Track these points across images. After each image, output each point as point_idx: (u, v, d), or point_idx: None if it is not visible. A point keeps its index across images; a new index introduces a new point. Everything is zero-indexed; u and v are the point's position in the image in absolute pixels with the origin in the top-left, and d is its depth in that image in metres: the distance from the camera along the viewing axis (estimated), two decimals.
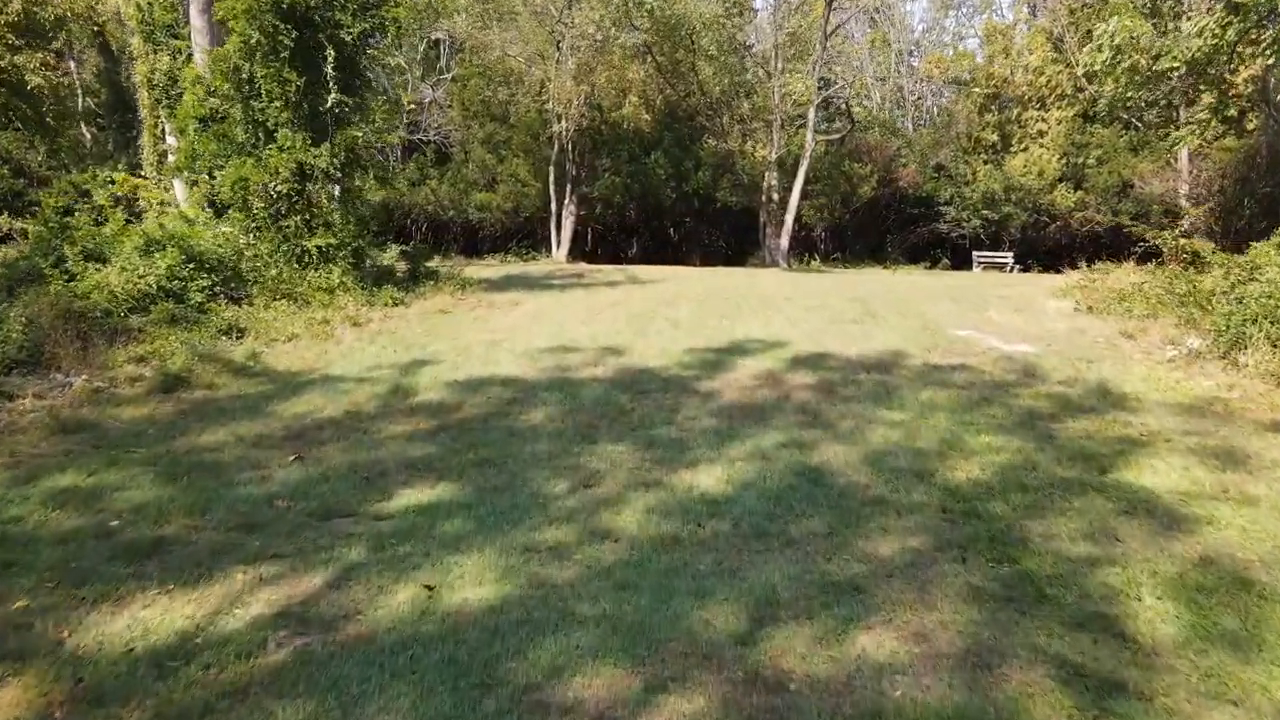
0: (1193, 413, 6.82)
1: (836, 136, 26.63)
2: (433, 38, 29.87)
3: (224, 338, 9.60)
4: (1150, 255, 15.10)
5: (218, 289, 10.76)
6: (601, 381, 7.94)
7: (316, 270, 12.18)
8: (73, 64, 28.93)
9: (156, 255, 10.32)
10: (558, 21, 22.26)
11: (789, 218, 25.90)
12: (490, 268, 21.99)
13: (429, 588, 3.89)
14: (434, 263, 15.78)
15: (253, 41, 11.35)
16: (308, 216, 12.37)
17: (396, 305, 12.21)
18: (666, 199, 27.85)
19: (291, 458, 5.81)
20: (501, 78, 25.01)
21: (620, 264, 31.41)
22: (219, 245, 11.41)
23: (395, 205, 27.71)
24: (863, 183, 28.30)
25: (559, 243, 25.48)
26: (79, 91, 28.81)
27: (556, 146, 24.71)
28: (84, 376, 7.51)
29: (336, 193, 13.41)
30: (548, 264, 24.18)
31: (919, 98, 39.16)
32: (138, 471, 5.46)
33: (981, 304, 12.92)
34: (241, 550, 4.30)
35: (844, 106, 26.05)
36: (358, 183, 12.71)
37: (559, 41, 22.70)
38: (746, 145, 28.60)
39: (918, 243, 33.01)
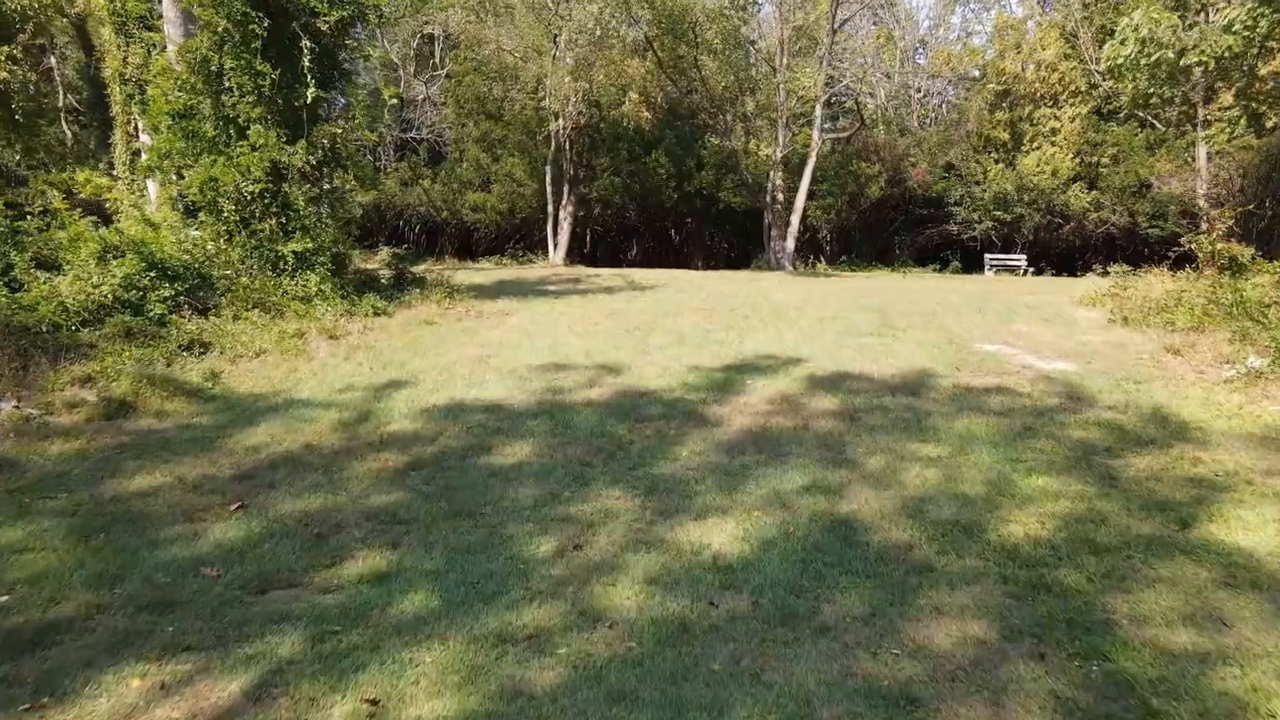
0: (1269, 446, 6.02)
1: (844, 134, 25.83)
2: (425, 32, 29.10)
3: (185, 354, 8.80)
4: (1182, 260, 14.30)
5: (182, 299, 9.95)
6: (597, 406, 7.14)
7: (293, 278, 11.39)
8: (53, 59, 28.13)
9: (114, 263, 9.53)
10: (555, 14, 21.48)
11: (795, 219, 25.09)
12: (483, 272, 21.20)
13: (372, 702, 3.10)
14: (423, 267, 14.95)
15: (221, 31, 10.56)
16: (283, 220, 11.57)
17: (379, 315, 11.42)
18: (668, 200, 27.07)
19: (234, 506, 5.01)
20: (496, 74, 24.22)
21: (620, 267, 30.62)
22: (185, 251, 10.61)
23: (386, 206, 26.93)
24: (871, 182, 27.49)
25: (556, 245, 24.70)
26: (60, 88, 28.01)
27: (553, 145, 23.92)
28: (14, 403, 6.72)
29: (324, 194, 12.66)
30: (544, 268, 23.38)
31: (924, 94, 38.36)
32: (49, 525, 4.66)
33: (1007, 314, 12.12)
34: (148, 641, 3.50)
35: (853, 103, 25.22)
36: (337, 183, 11.87)
37: (556, 36, 21.91)
38: (750, 144, 27.82)
39: (926, 245, 32.21)
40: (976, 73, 33.17)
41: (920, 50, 43.02)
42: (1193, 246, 13.66)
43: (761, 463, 5.79)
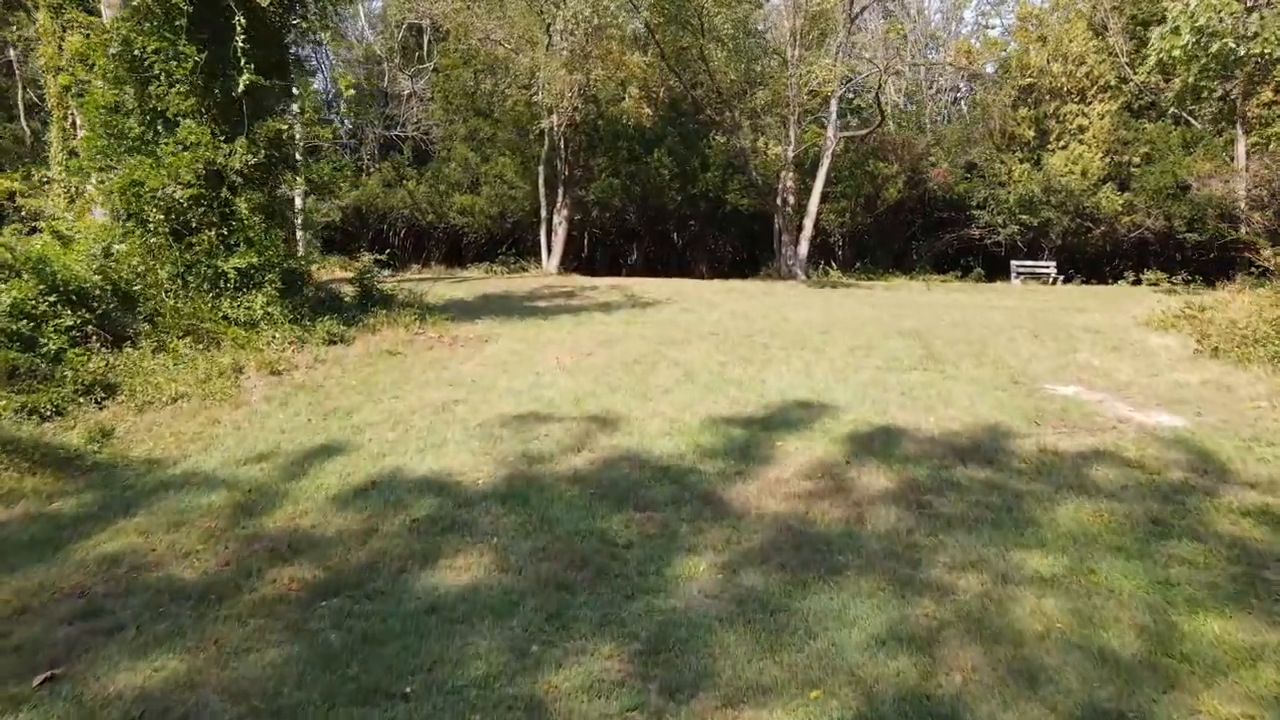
0: None
1: (863, 132, 24.23)
2: (412, 22, 27.55)
3: (81, 400, 7.24)
4: (1224, 266, 12.72)
5: (90, 328, 8.39)
6: (585, 483, 5.57)
7: (235, 299, 9.82)
8: (12, 52, 26.57)
9: (1, 286, 7.96)
10: (548, 1, 19.92)
11: (808, 224, 23.51)
12: (469, 282, 19.63)
13: None
14: (394, 281, 13.38)
15: (139, 5, 8.99)
16: (224, 231, 10.00)
17: (335, 343, 9.86)
18: (670, 202, 25.52)
19: (41, 679, 3.43)
20: (485, 66, 22.65)
21: (619, 274, 29.09)
22: (99, 269, 9.04)
23: (368, 209, 25.38)
24: (889, 184, 25.92)
25: (550, 252, 23.13)
26: (20, 82, 26.47)
27: (546, 144, 22.36)
28: None
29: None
30: (536, 277, 21.81)
31: (936, 90, 36.71)
32: None
33: (1067, 340, 10.54)
34: None
35: (871, 98, 23.62)
36: (284, 187, 10.27)
37: (549, 24, 20.35)
38: (759, 142, 26.25)
39: (945, 250, 30.63)
40: (991, 67, 31.58)
41: (931, 46, 41.48)
42: (1254, 254, 12.07)
43: (809, 586, 4.20)
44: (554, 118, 22.34)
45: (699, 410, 7.23)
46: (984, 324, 12.12)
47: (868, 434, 6.57)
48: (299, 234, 21.06)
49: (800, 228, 23.80)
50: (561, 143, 22.82)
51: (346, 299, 12.04)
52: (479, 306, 13.81)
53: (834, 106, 22.80)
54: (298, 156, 10.39)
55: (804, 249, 23.75)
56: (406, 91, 28.03)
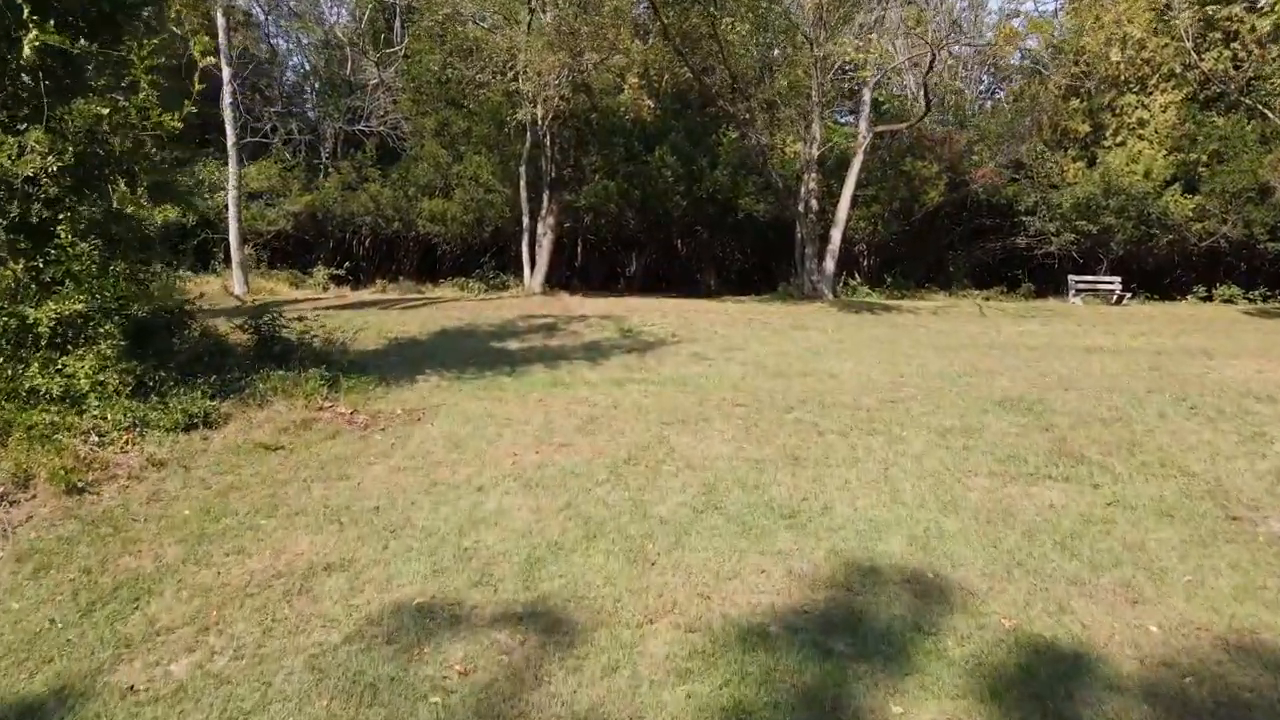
0: None
1: (903, 125, 21.30)
2: (382, 1, 24.74)
3: None
4: None
5: None
6: None
7: (48, 363, 6.97)
8: None
9: None
10: None
11: (836, 234, 20.66)
12: (433, 306, 16.75)
13: None
14: (310, 321, 10.53)
15: None
16: (36, 264, 7.14)
17: (195, 427, 6.99)
18: (675, 207, 22.68)
19: None
20: (458, 48, 19.78)
21: (615, 289, 26.22)
22: None
23: (325, 215, 22.52)
24: (929, 186, 23.06)
25: (533, 268, 20.27)
26: None
27: (529, 139, 19.51)
28: None
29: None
30: (516, 298, 18.93)
31: (960, 77, 33.71)
32: None
33: (1240, 413, 7.66)
34: None
35: (920, 81, 20.70)
36: (116, 202, 7.35)
37: None
38: (776, 138, 23.40)
39: (987, 261, 27.77)
40: (1020, 54, 28.65)
41: (952, 35, 38.54)
42: None
43: None
44: (538, 108, 19.50)
45: (733, 595, 4.36)
46: (1105, 382, 9.24)
47: (1044, 675, 3.69)
48: (233, 248, 18.25)
49: (826, 238, 20.95)
50: (547, 138, 19.98)
51: (241, 348, 9.15)
52: (428, 351, 10.94)
53: (867, 96, 19.97)
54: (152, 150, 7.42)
55: (830, 264, 20.89)
56: (373, 81, 25.18)
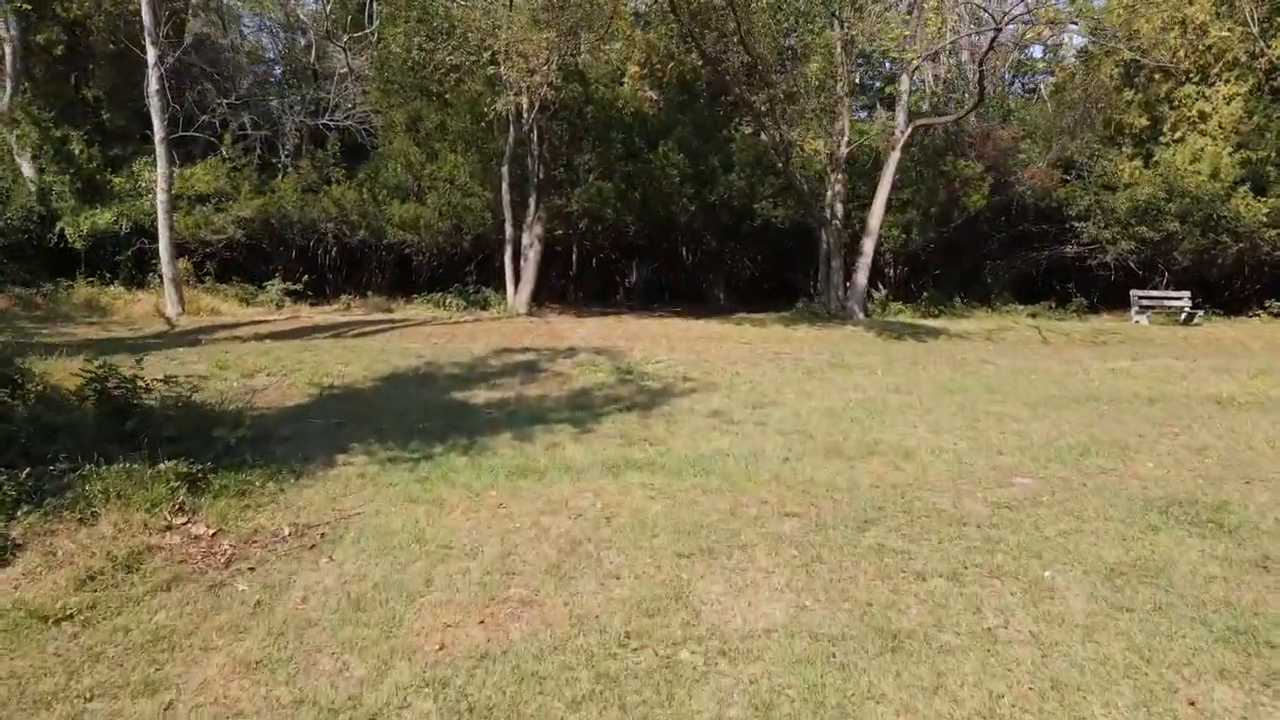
0: None
1: (951, 116, 18.83)
2: None
3: None
4: None
5: None
6: None
7: None
8: None
9: None
10: None
11: (868, 244, 18.29)
12: (393, 333, 14.35)
13: None
14: (221, 363, 8.13)
15: None
16: None
17: None
18: (681, 211, 20.33)
19: None
20: (432, 29, 17.37)
21: (612, 306, 23.74)
22: None
23: (281, 221, 20.14)
24: (971, 188, 20.67)
25: (518, 284, 17.87)
26: None
27: (512, 135, 17.14)
28: None
29: None
30: (496, 321, 16.53)
31: (986, 66, 31.21)
32: None
33: None
34: None
35: (974, 73, 18.30)
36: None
37: None
38: (795, 132, 21.02)
39: (1029, 272, 25.35)
40: (1080, 38, 26.29)
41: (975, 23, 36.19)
42: None
43: None
44: (523, 98, 17.14)
45: None
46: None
47: None
48: (164, 262, 15.87)
49: (857, 249, 18.57)
50: (534, 134, 17.60)
51: (85, 414, 6.69)
52: (366, 409, 8.53)
53: (905, 84, 17.59)
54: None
55: (862, 279, 18.51)
56: (341, 69, 22.84)
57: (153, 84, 14.91)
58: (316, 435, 7.41)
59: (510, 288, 17.75)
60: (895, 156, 17.88)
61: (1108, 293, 23.97)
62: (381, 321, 16.42)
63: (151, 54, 14.79)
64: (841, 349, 13.28)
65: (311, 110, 21.69)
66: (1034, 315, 22.69)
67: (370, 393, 9.30)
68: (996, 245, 24.77)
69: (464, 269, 23.12)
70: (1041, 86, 28.12)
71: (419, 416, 8.17)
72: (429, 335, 14.33)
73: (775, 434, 7.66)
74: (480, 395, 9.31)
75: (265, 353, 11.18)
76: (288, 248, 21.74)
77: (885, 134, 19.77)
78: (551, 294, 28.33)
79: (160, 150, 15.15)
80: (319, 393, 9.15)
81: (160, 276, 18.20)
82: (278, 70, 21.58)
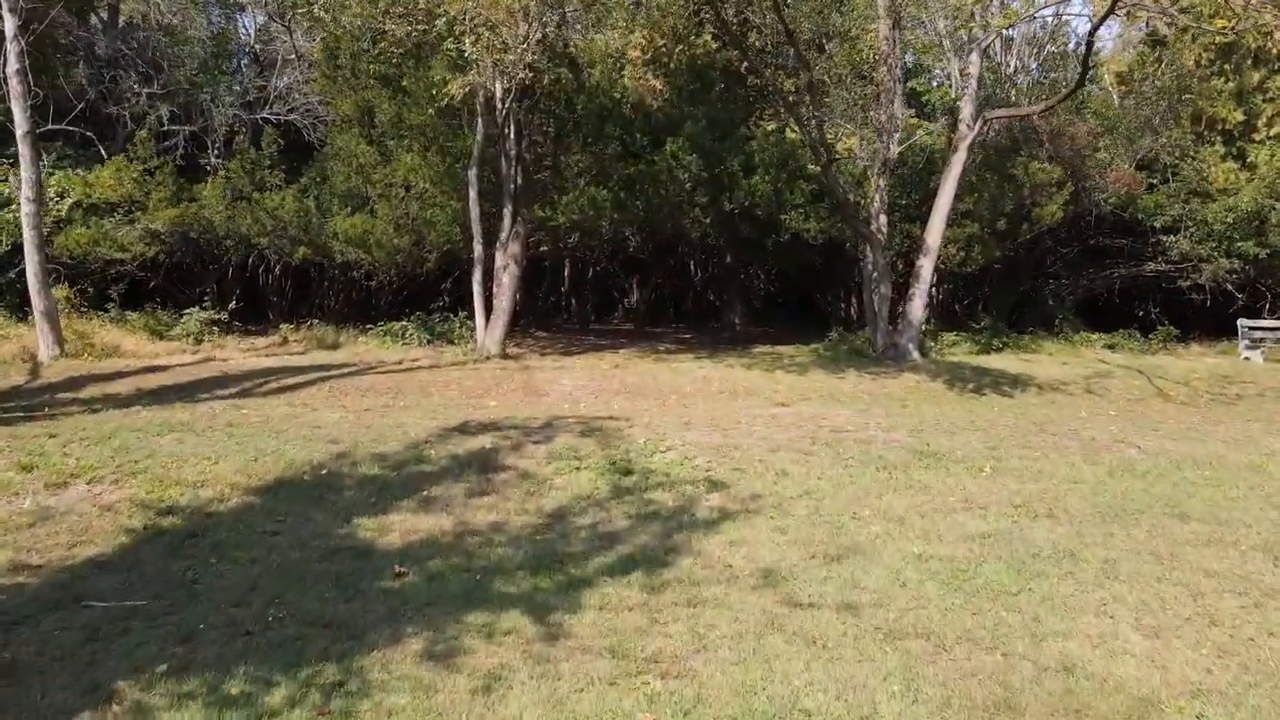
0: None
1: (1035, 109, 15.58)
2: None
3: None
4: None
5: None
6: None
7: None
8: None
9: None
10: None
11: (927, 265, 15.22)
12: (313, 389, 11.19)
13: None
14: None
15: None
16: None
17: None
18: (693, 225, 17.28)
19: None
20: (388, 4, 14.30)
21: (608, 332, 20.60)
22: None
23: (205, 236, 17.05)
24: (1046, 197, 17.59)
25: (488, 316, 14.73)
26: None
27: (481, 131, 14.06)
28: None
29: None
30: (457, 366, 13.38)
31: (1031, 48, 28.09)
32: None
33: None
34: None
35: (1086, 36, 15.08)
36: None
37: None
38: (825, 129, 17.92)
39: (1099, 294, 22.27)
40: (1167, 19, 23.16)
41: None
42: None
43: None
44: (494, 83, 14.10)
45: None
46: None
47: None
48: (33, 291, 12.81)
49: (913, 272, 15.50)
50: (510, 129, 14.51)
51: None
52: (196, 568, 5.40)
53: (976, 64, 14.51)
54: None
55: (919, 309, 15.43)
56: (285, 53, 19.79)
57: (11, 62, 11.84)
58: (76, 648, 4.31)
59: (480, 321, 14.62)
60: (961, 158, 14.83)
61: (1197, 319, 20.89)
62: (315, 367, 13.32)
63: (9, 24, 11.72)
64: (916, 417, 10.16)
65: (248, 102, 18.62)
66: (1111, 346, 19.64)
67: (225, 525, 6.17)
68: (1060, 261, 21.68)
69: (436, 291, 20.04)
70: (1104, 73, 24.81)
71: (278, 590, 5.06)
72: (364, 394, 11.22)
73: (879, 639, 4.53)
74: (396, 529, 6.19)
75: (109, 436, 8.08)
76: (223, 262, 18.64)
77: (944, 129, 16.67)
78: (539, 317, 25.25)
79: (24, 149, 12.09)
80: (143, 526, 6.04)
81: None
82: (208, 53, 18.48)
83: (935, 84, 23.23)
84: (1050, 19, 18.44)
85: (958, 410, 10.83)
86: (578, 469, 7.60)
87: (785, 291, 26.92)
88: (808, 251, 19.63)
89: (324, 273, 19.54)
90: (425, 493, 6.97)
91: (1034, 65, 22.44)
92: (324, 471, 7.38)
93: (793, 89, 13.63)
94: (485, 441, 8.36)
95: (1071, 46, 22.01)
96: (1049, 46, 21.90)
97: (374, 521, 6.29)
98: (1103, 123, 19.26)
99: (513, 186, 14.61)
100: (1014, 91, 20.12)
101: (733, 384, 12.46)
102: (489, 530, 6.22)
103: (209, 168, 18.05)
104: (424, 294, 20.64)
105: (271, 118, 18.63)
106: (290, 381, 11.96)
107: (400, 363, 13.83)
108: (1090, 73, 13.53)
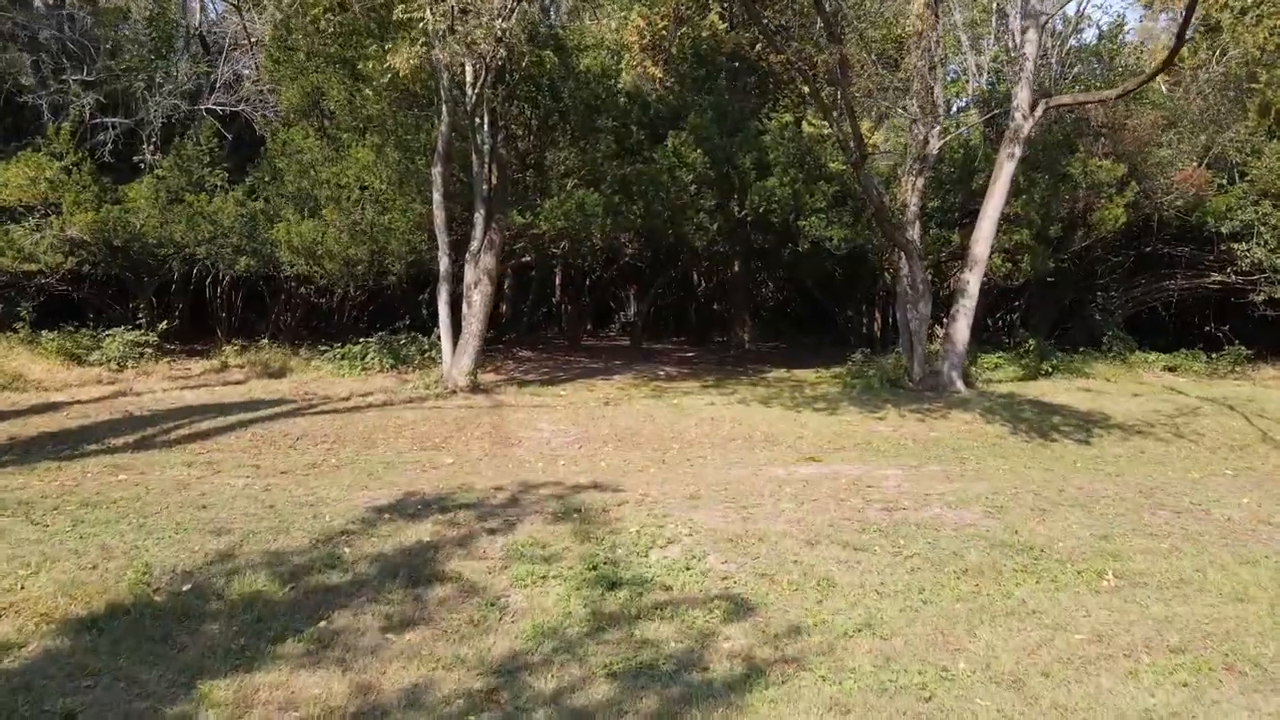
0: None
1: (1111, 94, 13.46)
2: None
3: None
4: None
5: None
6: None
7: None
8: None
9: None
10: None
11: (973, 280, 13.23)
12: (231, 435, 9.16)
13: None
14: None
15: None
16: None
17: None
18: (700, 232, 15.28)
19: None
20: None
21: (601, 350, 18.61)
22: None
23: (135, 243, 15.05)
24: (1106, 198, 15.58)
25: (455, 340, 12.70)
26: None
27: (445, 120, 12.07)
28: None
29: None
30: (411, 410, 11.32)
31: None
32: None
33: None
34: None
35: (1096, 37, 13.20)
36: None
37: None
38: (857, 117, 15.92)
39: (1151, 308, 20.29)
40: None
41: None
42: None
43: None
44: (466, 69, 12.15)
45: None
46: None
47: None
48: None
49: (956, 288, 13.51)
50: (484, 119, 12.51)
51: None
52: None
53: (1034, 43, 12.55)
54: None
55: (963, 330, 13.42)
56: (236, 36, 17.83)
57: None
58: None
59: (446, 347, 12.59)
60: (1015, 153, 12.85)
61: (1264, 336, 18.90)
62: (245, 404, 11.32)
63: None
64: (985, 480, 8.15)
65: (191, 91, 16.62)
66: (1172, 368, 17.68)
67: (0, 694, 4.16)
68: (1111, 272, 19.67)
69: (412, 304, 18.06)
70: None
71: None
72: (293, 445, 9.22)
73: None
74: (261, 700, 4.17)
75: None
76: (154, 280, 16.63)
77: (990, 119, 14.66)
78: (525, 331, 23.25)
79: None
80: None
81: None
82: (146, 35, 16.48)
83: (950, 79, 21.30)
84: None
85: (1032, 468, 8.81)
86: (545, 578, 5.60)
87: (795, 301, 24.97)
88: (825, 260, 17.63)
89: (280, 286, 17.53)
90: (324, 624, 4.97)
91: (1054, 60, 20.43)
92: (187, 588, 5.37)
93: (822, 68, 11.62)
94: (425, 530, 6.34)
95: (1090, 38, 19.99)
96: (1070, 40, 19.88)
97: (229, 686, 4.28)
98: (1164, 114, 17.24)
99: (486, 188, 12.62)
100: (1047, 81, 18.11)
101: (748, 427, 10.45)
102: (402, 703, 4.21)
103: (144, 165, 16.03)
104: (394, 308, 18.68)
105: (218, 108, 16.63)
106: (206, 425, 9.96)
107: (349, 398, 11.82)
108: (1189, 40, 11.48)
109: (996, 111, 15.77)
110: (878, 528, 6.58)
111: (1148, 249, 18.61)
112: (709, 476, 8.12)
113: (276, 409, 11.03)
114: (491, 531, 6.33)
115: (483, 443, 9.52)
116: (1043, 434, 10.59)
